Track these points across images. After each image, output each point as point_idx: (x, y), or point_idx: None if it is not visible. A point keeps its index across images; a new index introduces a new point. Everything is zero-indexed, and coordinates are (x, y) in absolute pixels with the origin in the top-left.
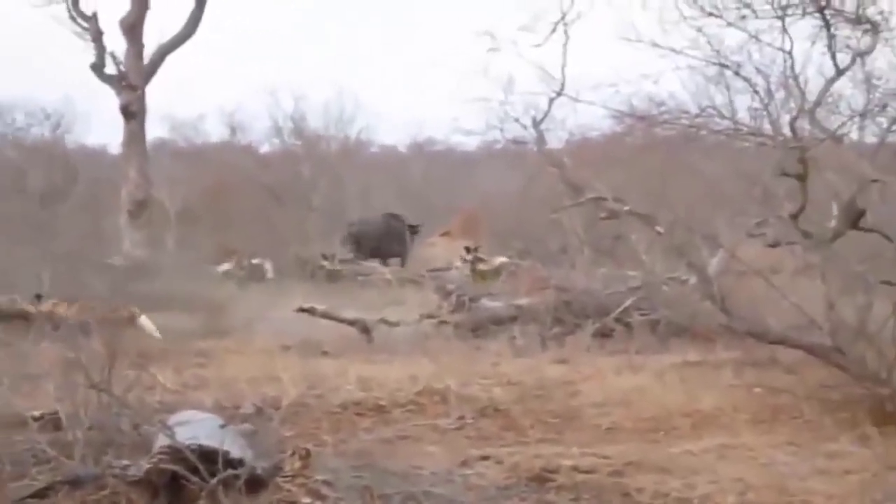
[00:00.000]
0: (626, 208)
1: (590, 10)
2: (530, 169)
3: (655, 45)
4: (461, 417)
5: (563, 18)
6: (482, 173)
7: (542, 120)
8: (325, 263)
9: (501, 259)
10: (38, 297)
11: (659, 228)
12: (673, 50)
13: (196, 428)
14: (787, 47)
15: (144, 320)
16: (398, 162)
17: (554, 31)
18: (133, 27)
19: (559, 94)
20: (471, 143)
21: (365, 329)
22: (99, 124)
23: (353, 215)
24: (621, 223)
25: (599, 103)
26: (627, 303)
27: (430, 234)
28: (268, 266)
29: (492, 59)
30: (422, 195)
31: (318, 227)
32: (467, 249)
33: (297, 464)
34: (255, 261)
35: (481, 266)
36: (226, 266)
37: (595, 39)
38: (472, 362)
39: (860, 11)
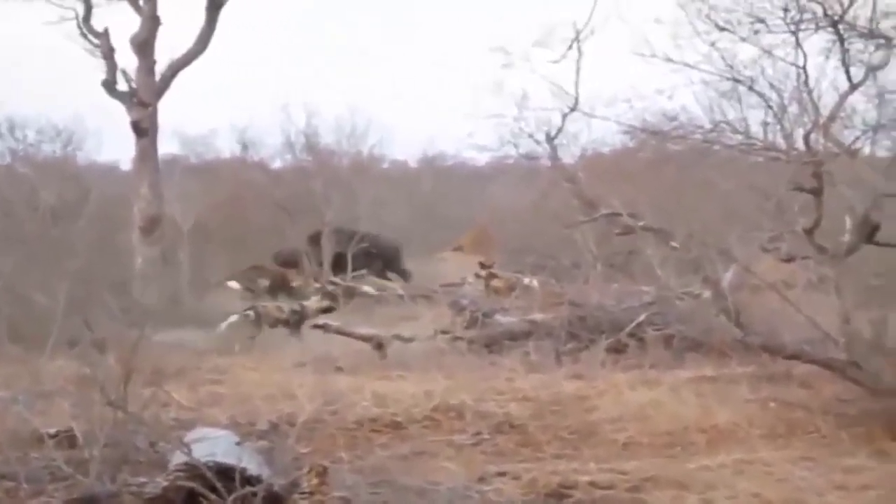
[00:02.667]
0: (641, 223)
1: (603, 25)
2: (543, 184)
3: (669, 59)
4: (477, 433)
5: (578, 35)
6: (494, 188)
7: (555, 135)
8: (338, 280)
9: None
10: None
11: (673, 243)
12: (686, 65)
13: (213, 445)
14: (801, 62)
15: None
16: (410, 177)
17: (570, 47)
18: (144, 44)
19: (573, 109)
20: (482, 159)
21: (379, 345)
22: (110, 141)
23: (366, 229)
24: (635, 238)
25: (613, 118)
26: (641, 317)
27: (442, 249)
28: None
29: (505, 75)
30: (433, 210)
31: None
32: (482, 265)
33: (315, 480)
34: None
35: (496, 282)
36: (233, 283)
37: (608, 55)
38: (487, 378)
39: (873, 26)
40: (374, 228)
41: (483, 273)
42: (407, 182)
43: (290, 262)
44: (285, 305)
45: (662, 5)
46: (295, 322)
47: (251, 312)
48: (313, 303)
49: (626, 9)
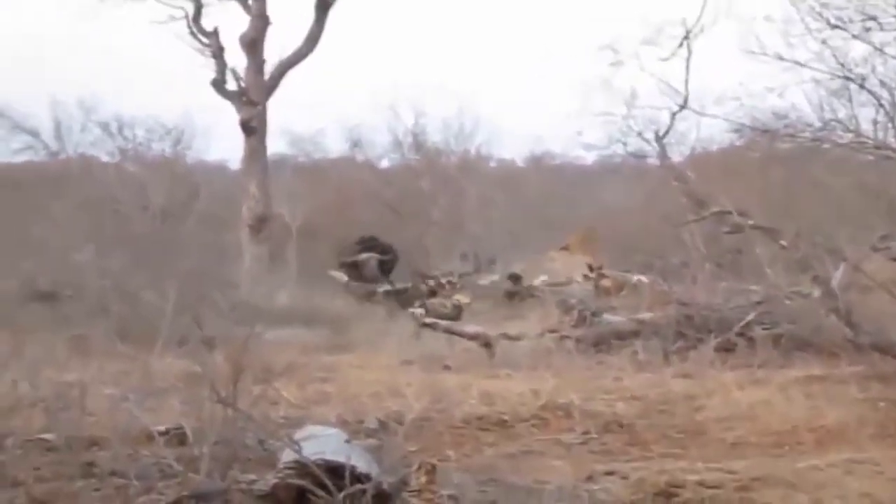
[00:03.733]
0: (750, 222)
1: (713, 23)
2: (650, 183)
3: (779, 57)
4: (585, 432)
5: (688, 33)
6: (601, 187)
7: (665, 134)
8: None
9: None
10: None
11: (782, 242)
12: (797, 62)
13: (322, 443)
14: None
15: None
16: (517, 176)
17: (681, 45)
18: (254, 43)
19: (682, 107)
20: (590, 157)
21: (487, 343)
22: (219, 140)
23: (473, 229)
24: (744, 237)
25: (722, 116)
26: (750, 317)
27: (549, 249)
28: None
29: (614, 73)
30: (540, 209)
31: (437, 242)
32: (590, 268)
33: (423, 479)
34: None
35: (605, 282)
36: (337, 273)
37: (718, 52)
38: (594, 377)
39: None
40: (484, 228)
41: (592, 273)
42: (514, 181)
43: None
44: (447, 301)
45: (773, 3)
46: (454, 316)
47: (422, 309)
48: (463, 297)
49: (737, 6)
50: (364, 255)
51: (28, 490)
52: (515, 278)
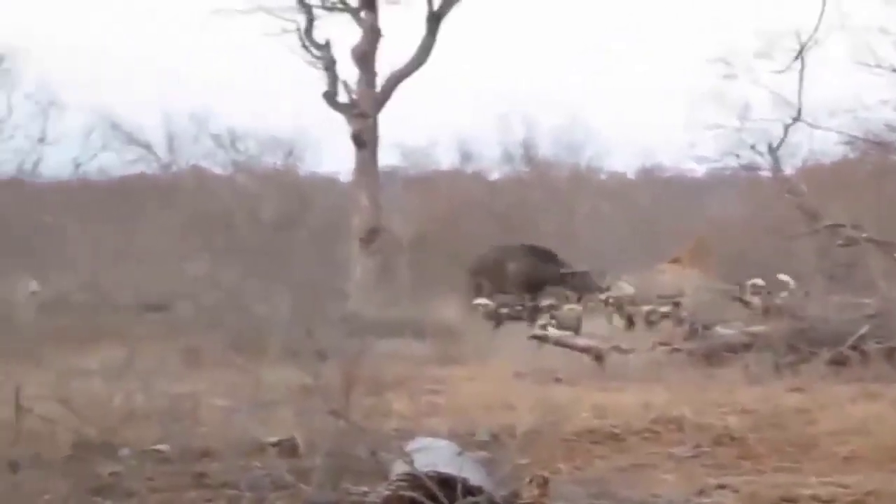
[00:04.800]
0: (864, 235)
1: (827, 35)
2: (763, 195)
3: (894, 70)
4: (697, 446)
5: (802, 45)
6: (712, 200)
7: (778, 146)
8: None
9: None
10: None
11: None
12: None
13: (434, 455)
14: None
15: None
16: (628, 188)
17: (795, 58)
18: (365, 55)
19: (796, 119)
20: (700, 170)
21: (598, 356)
22: (330, 152)
23: (584, 242)
24: (856, 250)
25: (836, 129)
26: (863, 330)
27: (661, 262)
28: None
29: (726, 85)
30: (651, 222)
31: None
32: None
33: (535, 491)
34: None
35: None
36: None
37: (832, 64)
38: (705, 390)
39: None
40: (594, 241)
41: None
42: (625, 194)
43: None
44: (572, 312)
45: (888, 14)
46: (577, 328)
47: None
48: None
49: (851, 18)
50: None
51: (142, 500)
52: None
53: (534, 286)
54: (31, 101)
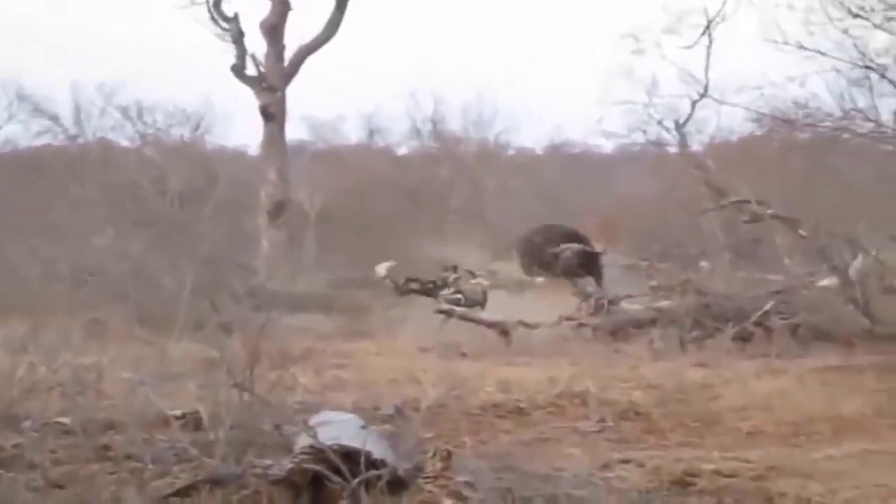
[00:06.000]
0: (769, 212)
1: (735, 12)
2: (670, 172)
3: (801, 46)
4: (601, 420)
5: (710, 22)
6: (620, 176)
7: (685, 122)
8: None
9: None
10: None
11: (801, 232)
12: (818, 52)
13: (338, 428)
14: None
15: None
16: (535, 164)
17: (702, 34)
18: (274, 29)
19: (703, 96)
20: (609, 146)
21: (504, 331)
22: (239, 126)
23: (492, 218)
24: (763, 226)
25: (743, 105)
26: (768, 306)
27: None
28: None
29: (635, 62)
30: (559, 198)
31: (455, 230)
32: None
33: (439, 465)
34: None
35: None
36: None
37: (739, 41)
38: (611, 365)
39: None
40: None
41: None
42: (533, 170)
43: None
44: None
45: None
46: (482, 302)
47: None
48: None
49: None
50: (562, 247)
51: (44, 473)
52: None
53: (580, 272)
54: None
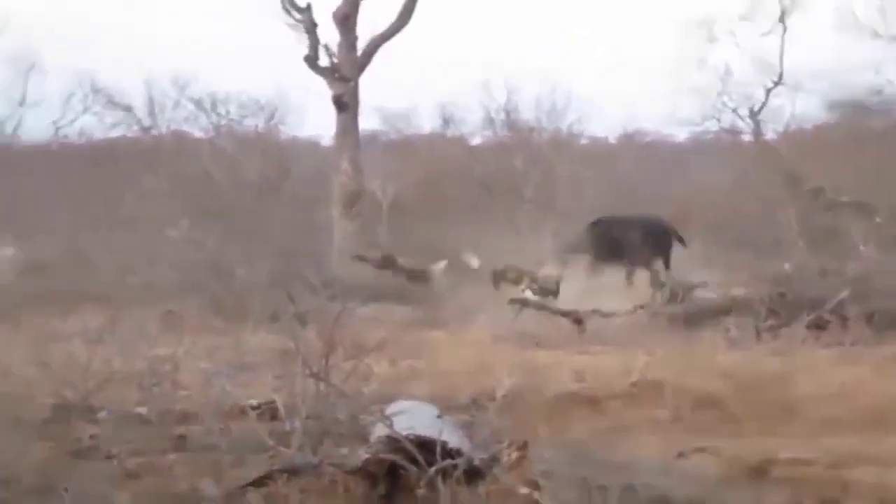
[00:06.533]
0: (845, 199)
1: None
2: (744, 160)
3: (876, 33)
4: (677, 409)
5: (784, 9)
6: (695, 165)
7: (759, 110)
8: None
9: None
10: None
11: (877, 219)
12: (893, 38)
13: (413, 418)
14: None
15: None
16: (609, 153)
17: (779, 20)
18: (346, 18)
19: (777, 83)
20: (682, 134)
21: (578, 320)
22: (312, 116)
23: (565, 207)
24: (837, 214)
25: (817, 93)
26: (843, 294)
27: None
28: (473, 260)
29: (709, 49)
30: (633, 187)
31: (530, 219)
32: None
33: (514, 455)
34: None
35: None
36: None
37: (814, 28)
38: (686, 354)
39: None
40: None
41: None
42: (607, 159)
43: None
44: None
45: None
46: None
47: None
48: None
49: None
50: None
51: (122, 463)
52: None
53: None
54: (10, 65)
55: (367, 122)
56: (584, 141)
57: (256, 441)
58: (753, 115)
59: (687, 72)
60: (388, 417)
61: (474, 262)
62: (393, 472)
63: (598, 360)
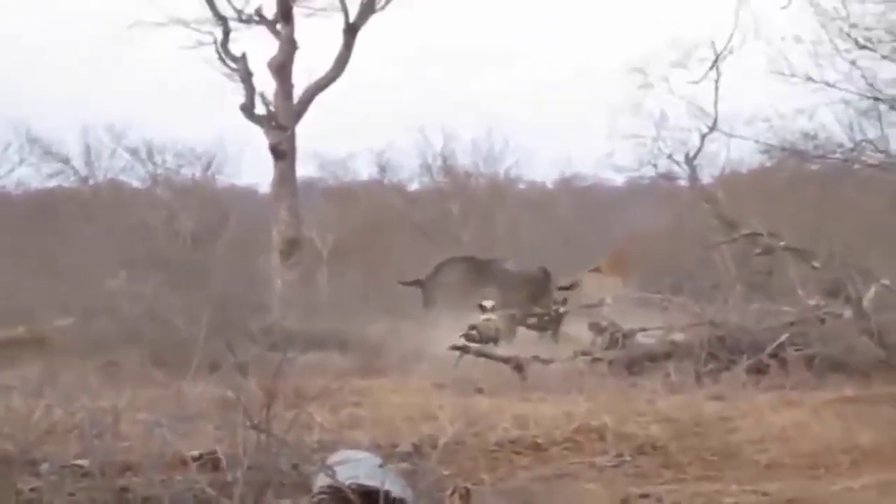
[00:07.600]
0: (781, 243)
1: (742, 45)
2: (680, 204)
3: (809, 78)
4: (619, 455)
5: (718, 55)
6: (631, 209)
7: (695, 155)
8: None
9: None
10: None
11: (814, 263)
12: (826, 83)
13: (356, 467)
14: None
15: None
16: (546, 198)
17: (711, 68)
18: (282, 67)
19: (712, 129)
20: (619, 179)
21: (519, 367)
22: (249, 164)
23: (503, 252)
24: (775, 258)
25: (752, 138)
26: (782, 338)
27: (580, 271)
28: None
29: (644, 95)
30: (570, 231)
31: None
32: None
33: (458, 503)
34: None
35: None
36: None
37: (747, 74)
38: (627, 399)
39: None
40: (514, 251)
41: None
42: (544, 203)
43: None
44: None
45: (802, 24)
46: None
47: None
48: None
49: (766, 28)
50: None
51: None
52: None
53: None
54: None
55: (305, 169)
56: (521, 186)
57: (198, 492)
58: (689, 160)
59: (622, 117)
60: (330, 467)
61: (488, 305)
62: None
63: (540, 406)
